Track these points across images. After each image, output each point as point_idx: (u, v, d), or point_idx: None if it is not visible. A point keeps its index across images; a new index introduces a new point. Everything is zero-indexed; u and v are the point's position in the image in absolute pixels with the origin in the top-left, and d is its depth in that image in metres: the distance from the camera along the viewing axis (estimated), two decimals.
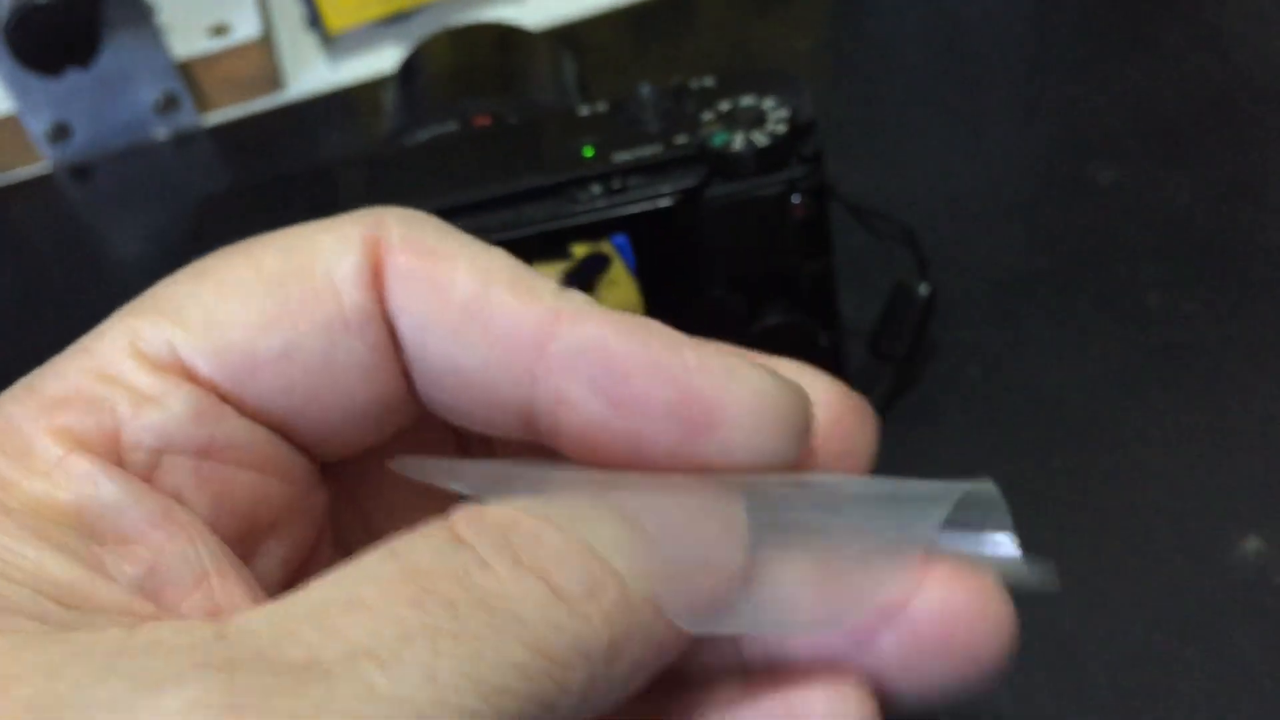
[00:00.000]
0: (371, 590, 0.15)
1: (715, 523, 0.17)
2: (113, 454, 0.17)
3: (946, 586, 0.17)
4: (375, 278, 0.17)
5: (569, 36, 0.52)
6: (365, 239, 0.17)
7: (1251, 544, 0.34)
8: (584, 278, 0.32)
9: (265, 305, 0.17)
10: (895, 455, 0.38)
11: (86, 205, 0.53)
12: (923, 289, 0.37)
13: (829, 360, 0.36)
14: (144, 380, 0.17)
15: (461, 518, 0.16)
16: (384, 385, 0.18)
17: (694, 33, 0.54)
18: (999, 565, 0.17)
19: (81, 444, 0.16)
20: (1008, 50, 0.51)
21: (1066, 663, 0.32)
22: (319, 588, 0.15)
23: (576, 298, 0.18)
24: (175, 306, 0.17)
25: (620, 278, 0.33)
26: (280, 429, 0.18)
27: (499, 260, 0.18)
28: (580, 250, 0.32)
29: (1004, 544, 0.17)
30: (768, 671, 0.18)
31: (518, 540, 0.16)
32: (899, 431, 0.37)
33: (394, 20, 0.56)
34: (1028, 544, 0.35)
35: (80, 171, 0.53)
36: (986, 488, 0.17)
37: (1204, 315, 0.39)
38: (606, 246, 0.32)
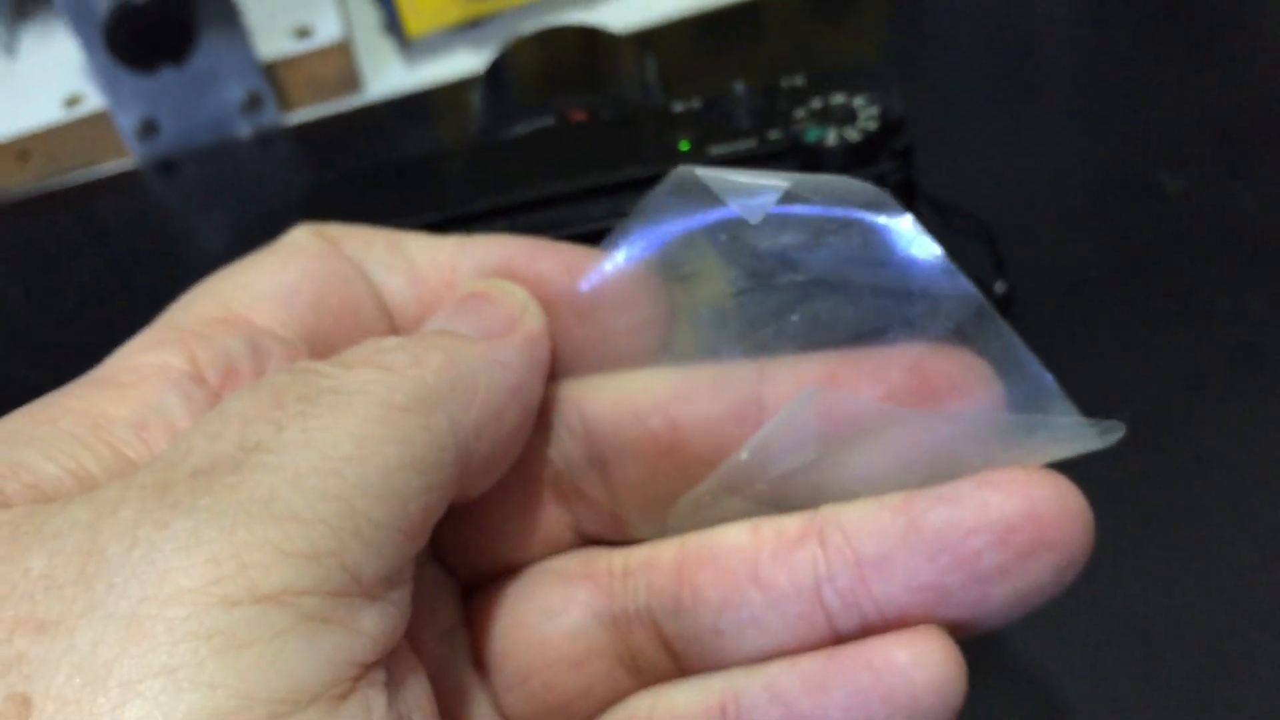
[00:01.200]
0: (240, 406, 0.18)
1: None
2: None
3: (1030, 485, 0.18)
4: (335, 247, 0.23)
5: (645, 41, 0.54)
6: (320, 232, 0.23)
7: None
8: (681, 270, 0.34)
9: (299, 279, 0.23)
10: None
11: (171, 200, 0.55)
12: (999, 286, 0.38)
13: None
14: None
15: (286, 365, 0.20)
16: (363, 296, 0.23)
17: (761, 38, 0.56)
18: (1069, 434, 0.19)
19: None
20: (1070, 57, 0.52)
21: (1140, 646, 0.33)
22: (202, 420, 0.19)
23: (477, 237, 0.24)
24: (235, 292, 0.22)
25: (712, 269, 0.34)
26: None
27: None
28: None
29: (1065, 420, 0.19)
30: (856, 629, 0.20)
31: (344, 358, 0.20)
32: None
33: (470, 26, 0.57)
34: (1102, 539, 0.36)
35: (166, 167, 0.55)
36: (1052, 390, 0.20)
37: (1270, 315, 0.40)
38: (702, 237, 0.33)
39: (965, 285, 0.20)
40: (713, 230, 0.22)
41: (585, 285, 0.23)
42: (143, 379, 0.20)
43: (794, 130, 0.33)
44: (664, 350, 0.23)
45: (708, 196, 0.22)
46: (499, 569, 0.23)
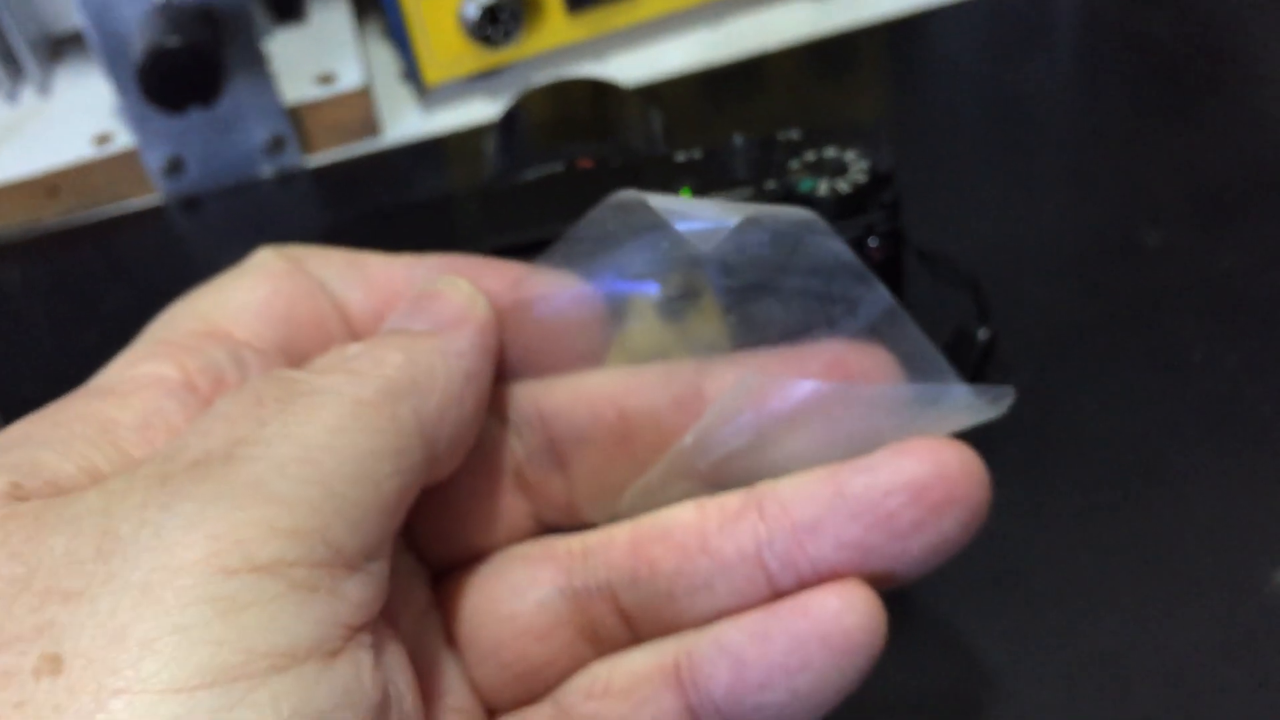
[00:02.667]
0: (227, 407, 0.21)
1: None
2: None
3: (937, 451, 0.21)
4: (299, 265, 0.26)
5: (651, 95, 0.56)
6: (284, 253, 0.26)
7: None
8: (678, 305, 0.36)
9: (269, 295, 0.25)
10: None
11: (194, 236, 0.57)
12: (982, 334, 0.40)
13: None
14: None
15: (264, 373, 0.23)
16: (327, 309, 0.26)
17: (764, 95, 0.58)
18: (966, 403, 0.22)
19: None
20: (1060, 119, 0.54)
21: (1111, 680, 0.35)
22: (194, 421, 0.21)
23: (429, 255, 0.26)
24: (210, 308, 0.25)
25: (709, 307, 0.36)
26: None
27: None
28: (676, 279, 0.35)
29: (961, 390, 0.22)
30: (793, 586, 0.22)
31: (314, 366, 0.22)
32: None
33: (485, 76, 0.60)
34: (1076, 576, 0.37)
35: (190, 204, 0.57)
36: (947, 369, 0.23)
37: (1243, 369, 0.42)
38: (701, 276, 0.35)
39: (879, 290, 0.23)
40: (654, 240, 0.25)
41: (529, 297, 0.26)
42: (142, 387, 0.22)
43: (788, 181, 0.35)
44: (603, 354, 0.26)
45: (649, 214, 0.24)
46: (467, 556, 0.26)
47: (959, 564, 0.38)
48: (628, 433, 0.25)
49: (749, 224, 0.24)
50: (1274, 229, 0.46)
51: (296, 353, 0.25)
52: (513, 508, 0.26)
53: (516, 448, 0.26)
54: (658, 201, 0.25)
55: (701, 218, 0.24)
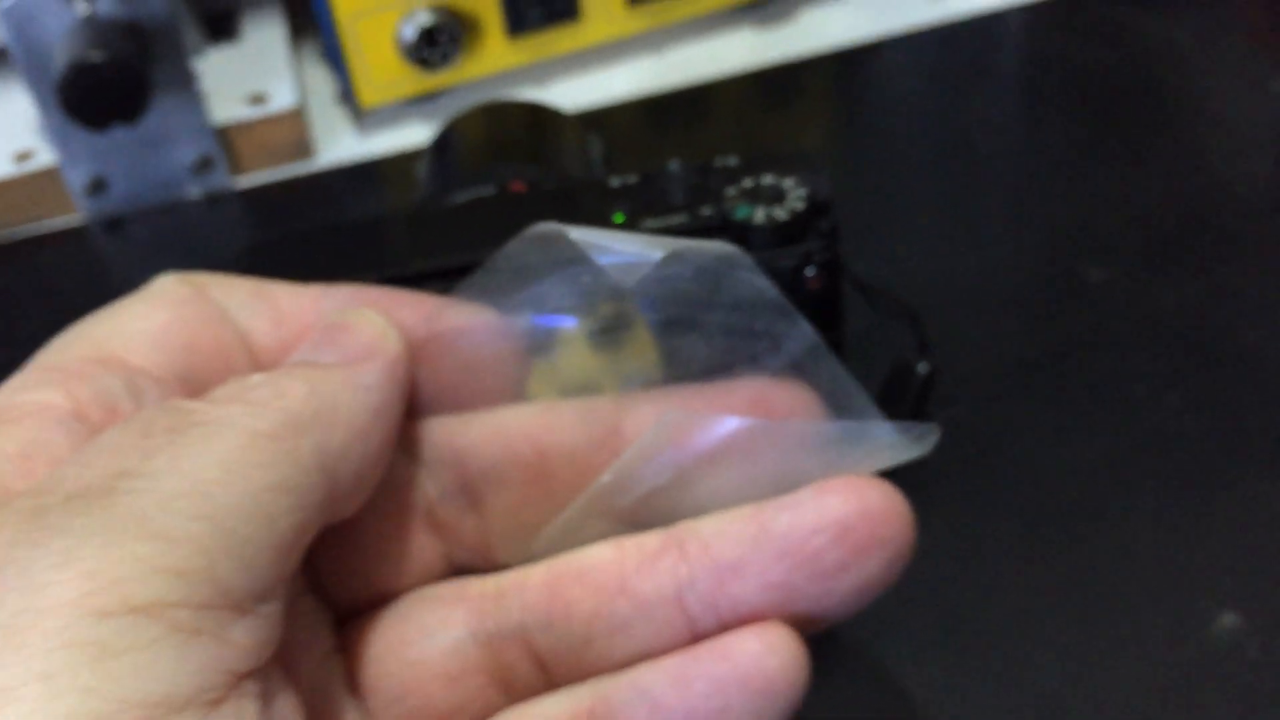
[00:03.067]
0: (112, 438, 0.20)
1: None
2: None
3: (861, 490, 0.21)
4: (202, 292, 0.24)
5: (592, 121, 0.55)
6: (186, 279, 0.25)
7: (1227, 619, 0.35)
8: (610, 335, 0.34)
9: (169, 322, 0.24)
10: None
11: (117, 257, 0.55)
12: (922, 367, 0.39)
13: None
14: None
15: (159, 403, 0.21)
16: (231, 338, 0.25)
17: (708, 123, 0.57)
18: (890, 441, 0.21)
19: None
20: (1004, 153, 0.54)
21: None
22: (76, 453, 0.20)
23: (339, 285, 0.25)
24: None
25: (642, 336, 0.35)
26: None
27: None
28: (607, 309, 0.34)
29: (885, 428, 0.21)
30: (714, 628, 0.21)
31: (213, 395, 0.21)
32: None
33: (422, 100, 0.59)
34: (1016, 616, 0.37)
35: (113, 225, 0.55)
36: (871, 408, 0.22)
37: (1186, 406, 0.41)
38: (632, 306, 0.34)
39: (803, 326, 0.23)
40: (575, 274, 0.24)
41: (444, 330, 0.25)
42: (26, 415, 0.21)
43: (725, 207, 0.35)
44: (521, 389, 0.25)
45: (569, 247, 0.24)
46: (374, 598, 0.24)
47: (895, 603, 0.37)
48: (545, 470, 0.24)
49: (672, 258, 0.23)
50: (1216, 267, 0.46)
51: (197, 383, 0.23)
52: (424, 548, 0.24)
53: (428, 486, 0.24)
54: (579, 234, 0.24)
55: (624, 251, 0.24)
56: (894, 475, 0.38)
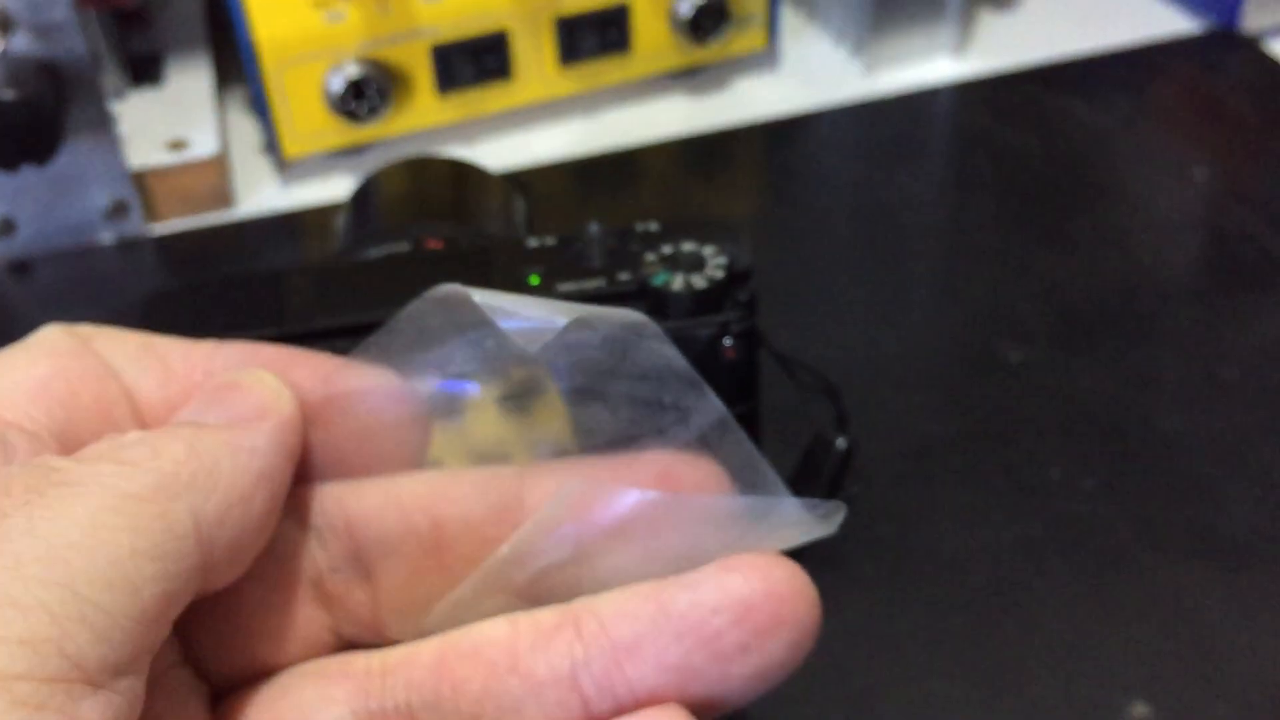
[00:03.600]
0: None
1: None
2: None
3: (766, 568, 0.20)
4: (86, 345, 0.23)
5: (517, 182, 0.54)
6: (72, 331, 0.24)
7: (1139, 710, 0.35)
8: (520, 400, 0.33)
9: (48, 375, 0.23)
10: None
11: (22, 302, 0.53)
12: (840, 443, 0.39)
13: None
14: None
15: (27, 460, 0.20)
16: (115, 394, 0.23)
17: (635, 188, 0.57)
18: (796, 518, 0.21)
19: None
20: (928, 233, 0.54)
21: None
22: None
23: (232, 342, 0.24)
24: None
25: (553, 402, 0.34)
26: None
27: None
28: (518, 374, 0.33)
29: (792, 504, 0.21)
30: (609, 711, 0.20)
31: (83, 454, 0.20)
32: (809, 577, 0.39)
33: (349, 153, 0.58)
34: (926, 701, 0.36)
35: (20, 267, 0.54)
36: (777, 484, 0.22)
37: (1101, 491, 0.41)
38: (543, 371, 0.33)
39: (711, 399, 0.22)
40: (478, 338, 0.23)
41: (341, 393, 0.24)
42: None
43: (643, 273, 0.34)
44: (421, 456, 0.24)
45: (473, 310, 0.23)
46: (254, 672, 0.23)
47: (799, 685, 0.36)
48: (441, 542, 0.23)
49: (578, 324, 0.23)
50: (1134, 351, 0.46)
51: (74, 440, 0.22)
52: (309, 620, 0.23)
53: (317, 555, 0.23)
54: (482, 297, 0.23)
55: (529, 316, 0.23)
56: (802, 554, 0.38)
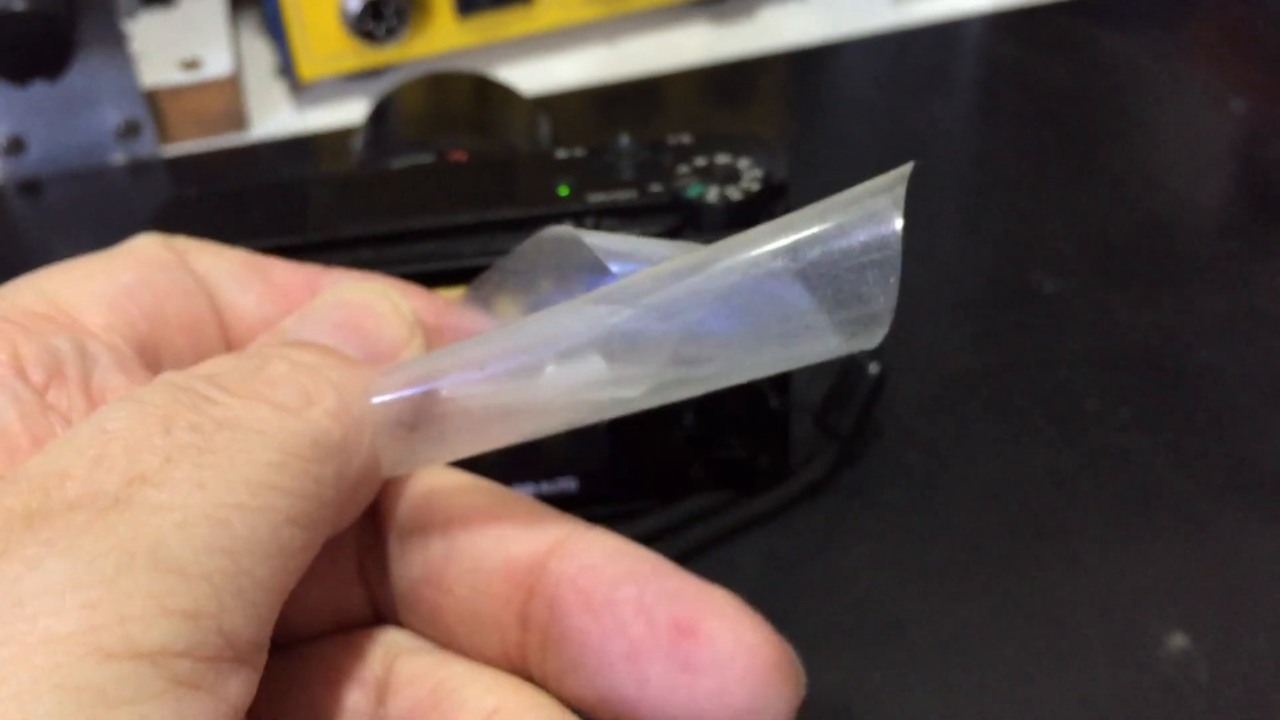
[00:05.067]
0: (123, 426, 0.17)
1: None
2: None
3: (743, 630, 0.19)
4: (181, 258, 0.22)
5: (542, 104, 0.53)
6: (167, 243, 0.23)
7: (1176, 641, 0.34)
8: None
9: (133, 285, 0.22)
10: (833, 529, 0.38)
11: (31, 222, 0.52)
12: (873, 368, 0.38)
13: (777, 424, 0.36)
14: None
15: (168, 373, 0.18)
16: (203, 311, 0.22)
17: (659, 116, 0.55)
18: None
19: None
20: (958, 161, 0.52)
21: None
22: (72, 434, 0.17)
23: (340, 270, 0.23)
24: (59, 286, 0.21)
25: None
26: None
27: None
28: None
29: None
30: None
31: (225, 380, 0.18)
32: (837, 505, 0.38)
33: (366, 76, 0.56)
34: (958, 631, 0.35)
35: (30, 187, 0.52)
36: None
37: (1138, 422, 0.40)
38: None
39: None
40: (591, 284, 0.22)
41: (451, 327, 0.23)
42: None
43: (675, 185, 0.33)
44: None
45: (584, 252, 0.21)
46: (288, 640, 0.22)
47: (835, 613, 0.36)
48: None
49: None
50: (1170, 282, 0.45)
51: (153, 356, 0.21)
52: (349, 593, 0.22)
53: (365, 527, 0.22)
54: (594, 239, 0.22)
55: (643, 257, 0.21)
56: (836, 480, 0.37)
